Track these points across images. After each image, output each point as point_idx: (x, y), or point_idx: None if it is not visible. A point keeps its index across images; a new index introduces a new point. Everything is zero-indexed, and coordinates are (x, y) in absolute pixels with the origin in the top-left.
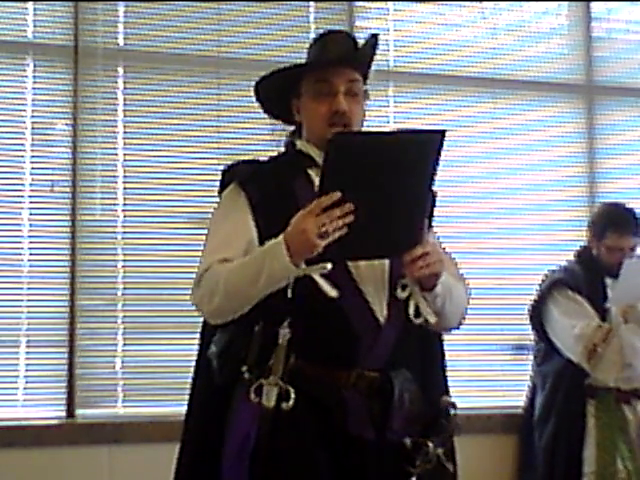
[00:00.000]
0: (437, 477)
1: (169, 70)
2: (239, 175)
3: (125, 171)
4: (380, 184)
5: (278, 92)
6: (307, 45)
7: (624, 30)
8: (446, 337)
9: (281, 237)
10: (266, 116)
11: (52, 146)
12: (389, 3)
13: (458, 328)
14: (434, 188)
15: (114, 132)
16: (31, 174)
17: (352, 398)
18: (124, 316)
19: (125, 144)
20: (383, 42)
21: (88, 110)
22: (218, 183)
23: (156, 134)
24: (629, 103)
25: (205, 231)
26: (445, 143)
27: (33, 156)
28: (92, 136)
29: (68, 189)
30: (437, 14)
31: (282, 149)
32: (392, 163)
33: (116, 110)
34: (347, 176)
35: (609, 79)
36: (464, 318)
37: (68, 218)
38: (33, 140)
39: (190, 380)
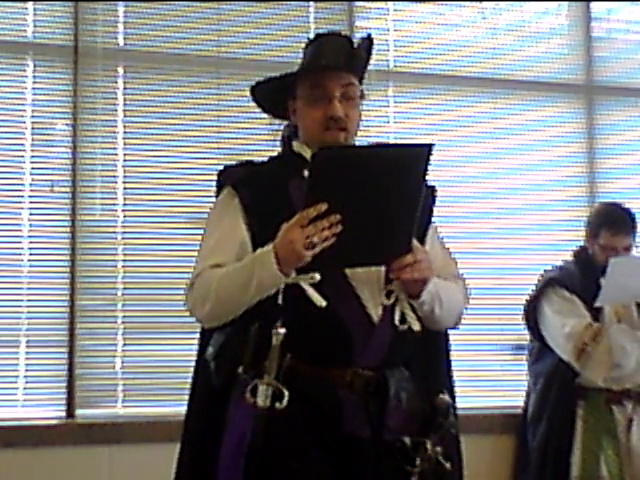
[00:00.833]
0: (437, 476)
1: (169, 70)
2: (232, 178)
3: (125, 171)
4: (366, 195)
5: (274, 94)
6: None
7: (624, 30)
8: None
9: (271, 246)
10: (266, 116)
11: (52, 146)
12: (389, 3)
13: (455, 327)
14: (435, 186)
15: (114, 132)
16: (31, 174)
17: (347, 397)
18: (124, 316)
19: (125, 144)
20: (383, 42)
21: (88, 110)
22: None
23: (156, 134)
24: (629, 103)
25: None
26: (440, 142)
27: (33, 156)
28: (92, 136)
29: (68, 189)
30: (437, 14)
31: (279, 148)
32: (377, 176)
33: (116, 110)
34: (333, 188)
35: (609, 79)
36: (461, 318)
37: (68, 218)
38: (33, 140)
39: (190, 381)
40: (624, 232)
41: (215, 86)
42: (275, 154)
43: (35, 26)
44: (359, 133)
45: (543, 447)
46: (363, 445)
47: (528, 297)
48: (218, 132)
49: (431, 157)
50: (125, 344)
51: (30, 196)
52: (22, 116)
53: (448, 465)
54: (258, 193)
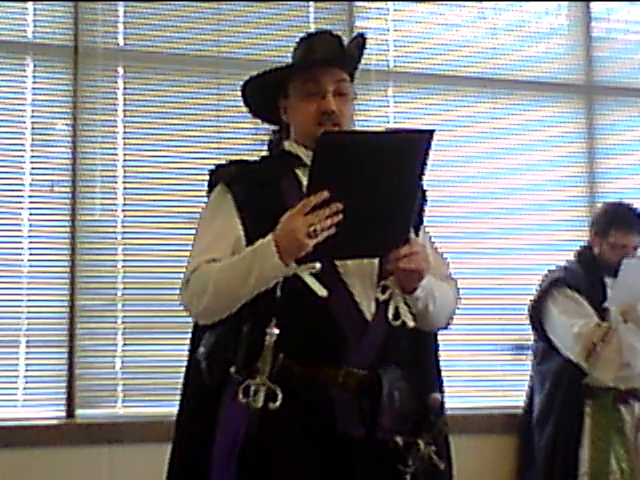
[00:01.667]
0: (429, 476)
1: (169, 70)
2: (225, 176)
3: (125, 171)
4: (368, 183)
5: (264, 93)
6: None
7: (624, 30)
8: (446, 337)
9: (270, 236)
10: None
11: (52, 146)
12: (389, 3)
13: (446, 328)
14: (424, 187)
15: (114, 132)
16: (31, 174)
17: (340, 396)
18: (124, 316)
19: (125, 144)
20: (383, 42)
21: (88, 110)
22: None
23: (156, 134)
24: (629, 103)
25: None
26: (440, 142)
27: (33, 156)
28: (92, 136)
29: (68, 189)
30: (437, 14)
31: (266, 149)
32: (379, 162)
33: (116, 110)
34: (335, 175)
35: (609, 79)
36: (452, 318)
37: (68, 218)
38: (33, 140)
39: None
40: (635, 230)
41: (215, 86)
42: (265, 154)
43: (35, 26)
44: None
45: (551, 446)
46: (356, 444)
47: (533, 297)
48: (218, 132)
49: (432, 143)
50: (125, 344)
51: (30, 196)
52: (22, 116)
53: (442, 465)
54: (251, 191)
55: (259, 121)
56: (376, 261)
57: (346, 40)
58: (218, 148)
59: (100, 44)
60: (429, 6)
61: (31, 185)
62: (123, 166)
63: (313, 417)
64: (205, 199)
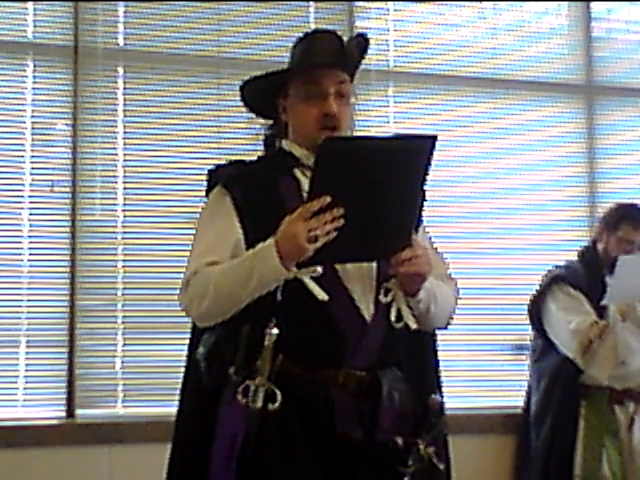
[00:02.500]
0: (429, 476)
1: (169, 70)
2: (223, 177)
3: (125, 171)
4: (370, 188)
5: (263, 92)
6: None
7: (624, 30)
8: (446, 337)
9: (272, 240)
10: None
11: (52, 146)
12: (389, 3)
13: (446, 328)
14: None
15: (114, 132)
16: (31, 174)
17: (340, 398)
18: (124, 316)
19: (125, 144)
20: (383, 42)
21: (88, 110)
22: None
23: (156, 134)
24: (629, 103)
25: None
26: (440, 142)
27: (33, 156)
28: (92, 136)
29: (68, 189)
30: (437, 14)
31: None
32: (382, 168)
33: (116, 110)
34: (337, 180)
35: (609, 79)
36: (452, 318)
37: (68, 218)
38: (33, 140)
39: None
40: None
41: (215, 86)
42: (262, 154)
43: (35, 26)
44: (359, 133)
45: (547, 446)
46: (356, 446)
47: (532, 294)
48: (218, 132)
49: (434, 149)
50: (125, 344)
51: (30, 196)
52: (22, 116)
53: (442, 466)
54: (249, 192)
55: (260, 121)
56: (374, 264)
57: (346, 40)
58: (218, 148)
59: (100, 44)
60: (429, 6)
61: (31, 185)
62: (123, 166)
63: (312, 418)
64: (204, 199)
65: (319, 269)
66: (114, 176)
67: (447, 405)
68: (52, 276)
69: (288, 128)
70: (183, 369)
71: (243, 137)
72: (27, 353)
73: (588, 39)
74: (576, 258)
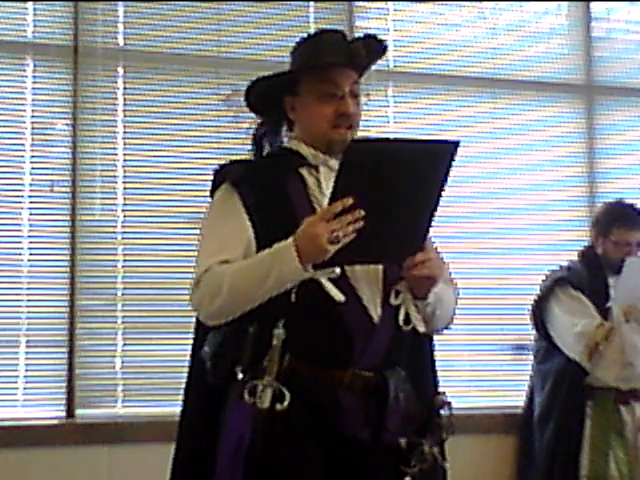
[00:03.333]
0: (431, 476)
1: (169, 70)
2: (231, 175)
3: (125, 171)
4: (391, 191)
5: (269, 90)
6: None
7: (624, 30)
8: (446, 337)
9: (290, 240)
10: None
11: (52, 146)
12: (389, 3)
13: (447, 328)
14: None
15: (114, 132)
16: (31, 174)
17: (347, 398)
18: (124, 316)
19: (125, 144)
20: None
21: (88, 110)
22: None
23: (156, 134)
24: (629, 103)
25: (199, 231)
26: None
27: (33, 156)
28: (92, 136)
29: (68, 189)
30: (437, 14)
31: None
32: (405, 171)
33: (116, 110)
34: (360, 182)
35: (609, 79)
36: (452, 320)
37: (68, 218)
38: (33, 140)
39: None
40: (637, 227)
41: (215, 86)
42: (265, 152)
43: (35, 26)
44: (359, 133)
45: (552, 447)
46: (362, 447)
47: (535, 297)
48: (218, 132)
49: (456, 155)
50: (125, 344)
51: (30, 196)
52: (22, 116)
53: (447, 465)
54: (258, 192)
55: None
56: (381, 266)
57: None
58: (218, 148)
59: (100, 44)
60: (429, 6)
61: (31, 185)
62: (123, 166)
63: (320, 418)
64: (205, 198)
65: (338, 270)
66: (114, 176)
67: None
68: (52, 276)
69: (295, 126)
70: (187, 368)
71: (243, 137)
72: (27, 353)
73: (588, 39)
74: (577, 258)
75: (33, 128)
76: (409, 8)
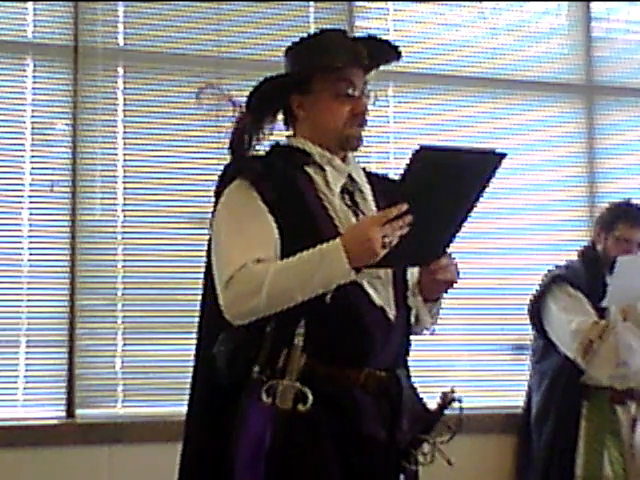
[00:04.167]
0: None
1: (169, 70)
2: (248, 172)
3: (125, 171)
4: (439, 198)
5: (275, 88)
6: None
7: (624, 30)
8: (446, 337)
9: (338, 242)
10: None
11: (52, 146)
12: (389, 3)
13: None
14: None
15: (114, 132)
16: (31, 174)
17: (363, 398)
18: (124, 316)
19: (125, 144)
20: None
21: (88, 110)
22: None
23: (156, 134)
24: (629, 103)
25: (205, 230)
26: (440, 143)
27: (33, 156)
28: (92, 136)
29: (68, 189)
30: (437, 14)
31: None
32: (456, 179)
33: (116, 110)
34: (416, 188)
35: (609, 79)
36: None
37: (68, 218)
38: (33, 140)
39: (190, 380)
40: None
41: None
42: (267, 149)
43: (35, 26)
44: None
45: (549, 447)
46: (378, 447)
47: (533, 295)
48: (218, 132)
49: (500, 166)
50: (125, 344)
51: (30, 196)
52: (22, 116)
53: (453, 460)
54: (276, 189)
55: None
56: None
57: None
58: (218, 148)
59: (100, 44)
60: (429, 6)
61: (31, 185)
62: (123, 166)
63: (340, 419)
64: (205, 198)
65: (382, 273)
66: (114, 176)
67: None
68: (52, 276)
69: (299, 124)
70: (187, 368)
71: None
72: (27, 353)
73: (588, 39)
74: (576, 258)
75: (33, 128)
76: (409, 8)
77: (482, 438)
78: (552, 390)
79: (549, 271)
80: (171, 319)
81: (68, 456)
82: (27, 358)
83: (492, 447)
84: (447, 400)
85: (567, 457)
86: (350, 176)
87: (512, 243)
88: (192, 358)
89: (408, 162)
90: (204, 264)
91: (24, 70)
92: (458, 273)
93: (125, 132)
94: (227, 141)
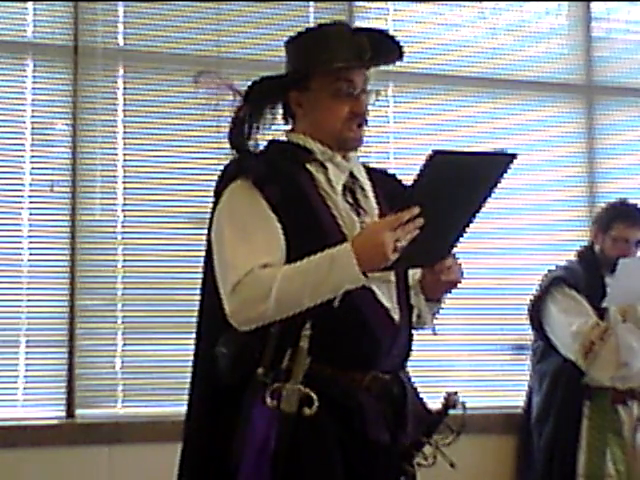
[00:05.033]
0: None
1: (169, 70)
2: (250, 171)
3: (125, 171)
4: (450, 200)
5: (274, 84)
6: None
7: (624, 30)
8: (446, 337)
9: (347, 246)
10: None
11: (52, 146)
12: (389, 3)
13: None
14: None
15: (114, 132)
16: (31, 174)
17: (368, 401)
18: (124, 316)
19: (125, 144)
20: None
21: (88, 110)
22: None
23: (156, 134)
24: (629, 103)
25: (205, 230)
26: (440, 143)
27: (33, 156)
28: (92, 136)
29: (68, 189)
30: (437, 14)
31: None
32: (468, 182)
33: (116, 110)
34: (429, 191)
35: (609, 79)
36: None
37: (68, 218)
38: (33, 140)
39: (189, 380)
40: (637, 225)
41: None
42: (267, 145)
43: (35, 26)
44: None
45: (550, 447)
46: (381, 450)
47: (532, 296)
48: (218, 132)
49: (510, 167)
50: (125, 344)
51: (30, 196)
52: (22, 116)
53: (456, 462)
54: (278, 189)
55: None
56: None
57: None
58: (218, 148)
59: (100, 44)
60: (429, 6)
61: (31, 185)
62: (123, 166)
63: (344, 422)
64: (206, 198)
65: (392, 277)
66: (114, 176)
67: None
68: (52, 276)
69: (298, 121)
70: (188, 368)
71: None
72: (27, 353)
73: (588, 39)
74: (574, 258)
75: (33, 128)
76: (409, 8)
77: (482, 438)
78: (552, 391)
79: (549, 272)
80: (171, 319)
81: (68, 456)
82: (27, 358)
83: (492, 447)
84: (450, 402)
85: (568, 457)
86: (351, 173)
87: (512, 243)
88: (192, 358)
89: (422, 166)
90: (203, 264)
91: (24, 70)
92: (462, 274)
93: (125, 132)
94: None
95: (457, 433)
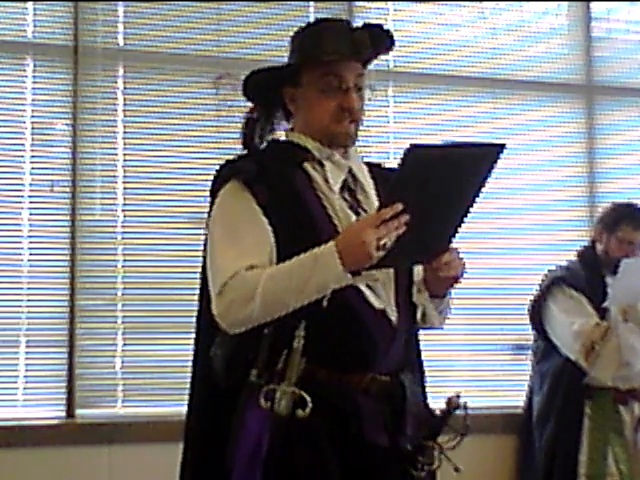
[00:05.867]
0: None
1: (169, 70)
2: (241, 173)
3: (125, 171)
4: (436, 195)
5: (269, 79)
6: None
7: (624, 30)
8: (446, 337)
9: (331, 245)
10: None
11: (52, 146)
12: (389, 3)
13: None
14: None
15: (114, 132)
16: (31, 174)
17: (365, 403)
18: (124, 316)
19: (125, 144)
20: None
21: (88, 110)
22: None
23: (156, 134)
24: (629, 103)
25: (205, 230)
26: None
27: (33, 156)
28: (92, 136)
29: (68, 189)
30: (437, 14)
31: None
32: (453, 175)
33: (116, 110)
34: (410, 187)
35: (609, 79)
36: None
37: (68, 218)
38: (33, 140)
39: (189, 382)
40: None
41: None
42: (265, 144)
43: (35, 26)
44: (358, 133)
45: (551, 447)
46: (379, 453)
47: (533, 296)
48: (218, 132)
49: (500, 158)
50: (125, 344)
51: (30, 196)
52: (22, 116)
53: (461, 467)
54: (270, 190)
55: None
56: None
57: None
58: (218, 148)
59: (100, 44)
60: (429, 6)
61: (31, 185)
62: (123, 166)
63: (340, 424)
64: (206, 198)
65: (380, 276)
66: (114, 176)
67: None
68: (52, 276)
69: (295, 118)
70: (188, 369)
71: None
72: (27, 353)
73: (588, 39)
74: (575, 258)
75: (33, 128)
76: (409, 8)
77: (482, 438)
78: (553, 391)
79: (549, 272)
80: (171, 319)
81: (68, 456)
82: (27, 358)
83: (492, 447)
84: (452, 405)
85: (569, 457)
86: (351, 171)
87: (512, 243)
88: (192, 360)
89: (400, 161)
90: (201, 264)
91: (24, 70)
92: (464, 268)
93: (125, 132)
94: (227, 141)
95: (461, 436)
